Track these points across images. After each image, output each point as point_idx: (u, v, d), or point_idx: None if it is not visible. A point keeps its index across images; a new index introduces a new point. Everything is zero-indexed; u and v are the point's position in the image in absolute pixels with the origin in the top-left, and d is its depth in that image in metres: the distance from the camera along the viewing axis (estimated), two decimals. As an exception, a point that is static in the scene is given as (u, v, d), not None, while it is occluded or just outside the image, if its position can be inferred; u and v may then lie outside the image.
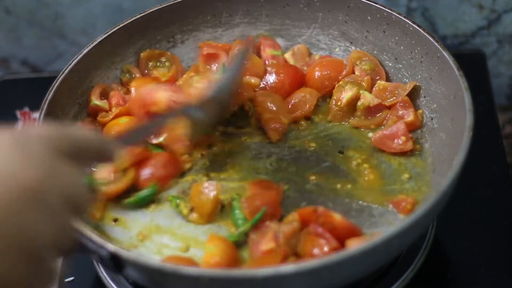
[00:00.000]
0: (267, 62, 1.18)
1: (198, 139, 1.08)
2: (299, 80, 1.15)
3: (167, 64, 1.19)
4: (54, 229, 0.63)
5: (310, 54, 1.21)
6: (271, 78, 1.15)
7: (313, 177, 1.04)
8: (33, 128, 0.68)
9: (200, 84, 1.11)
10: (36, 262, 0.63)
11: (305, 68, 1.17)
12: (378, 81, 1.12)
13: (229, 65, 1.11)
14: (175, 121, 1.01)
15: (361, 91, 1.10)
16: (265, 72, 1.16)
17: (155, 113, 1.06)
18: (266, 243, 0.92)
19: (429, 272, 1.02)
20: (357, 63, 1.15)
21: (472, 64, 1.30)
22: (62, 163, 0.66)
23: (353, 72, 1.15)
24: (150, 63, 1.19)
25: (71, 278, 1.04)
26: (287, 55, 1.20)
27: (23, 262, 0.61)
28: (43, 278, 0.64)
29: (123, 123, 1.09)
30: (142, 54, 1.17)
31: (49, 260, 0.64)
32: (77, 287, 1.04)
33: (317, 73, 1.14)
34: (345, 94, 1.10)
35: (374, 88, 1.12)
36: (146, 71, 1.18)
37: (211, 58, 1.18)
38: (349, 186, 1.02)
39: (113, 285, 1.00)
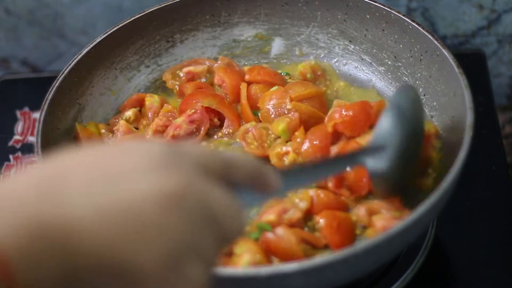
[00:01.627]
0: None
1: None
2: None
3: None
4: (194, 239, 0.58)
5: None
6: None
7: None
8: (183, 145, 0.62)
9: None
10: (175, 266, 0.57)
11: None
12: None
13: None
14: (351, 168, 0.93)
15: None
16: None
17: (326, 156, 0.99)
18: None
19: (429, 272, 1.02)
20: None
21: (472, 64, 1.29)
22: (210, 180, 0.60)
23: None
24: None
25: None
26: None
27: (161, 263, 0.57)
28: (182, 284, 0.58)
29: None
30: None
31: (190, 267, 0.58)
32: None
33: None
34: None
35: None
36: None
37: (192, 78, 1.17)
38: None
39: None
